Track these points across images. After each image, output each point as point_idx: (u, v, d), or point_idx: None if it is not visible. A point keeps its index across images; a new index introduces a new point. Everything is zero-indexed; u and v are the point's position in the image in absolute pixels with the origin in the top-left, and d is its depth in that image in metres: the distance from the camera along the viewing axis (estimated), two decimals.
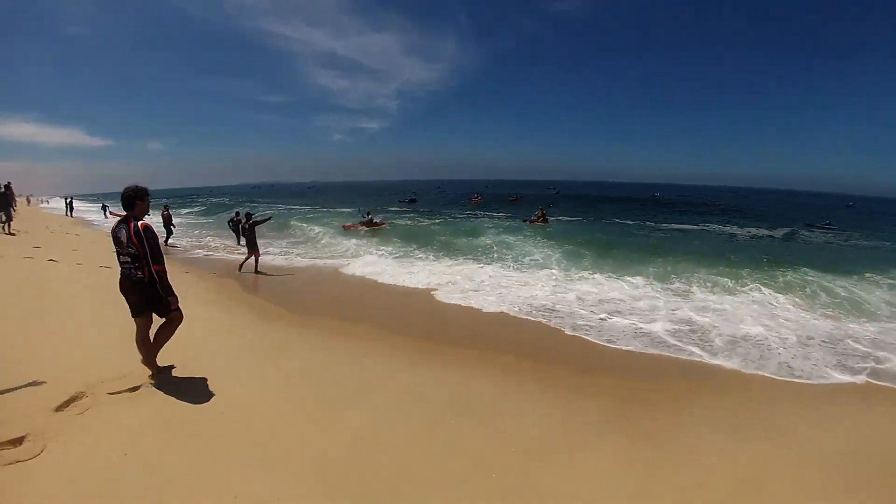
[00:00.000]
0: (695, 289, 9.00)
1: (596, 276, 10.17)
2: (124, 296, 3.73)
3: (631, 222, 27.23)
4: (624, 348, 5.82)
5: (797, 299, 8.29)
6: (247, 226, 10.54)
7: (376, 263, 11.66)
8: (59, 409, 3.33)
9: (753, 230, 23.81)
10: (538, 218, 21.88)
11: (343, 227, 18.73)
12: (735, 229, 24.31)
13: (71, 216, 26.82)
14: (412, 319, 6.96)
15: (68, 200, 30.20)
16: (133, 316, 3.76)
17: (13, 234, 13.35)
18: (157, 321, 3.89)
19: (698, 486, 2.97)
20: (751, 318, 7.06)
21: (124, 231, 3.55)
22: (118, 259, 3.66)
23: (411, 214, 31.29)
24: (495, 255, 12.86)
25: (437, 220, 25.20)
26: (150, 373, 3.92)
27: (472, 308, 7.60)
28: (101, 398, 3.54)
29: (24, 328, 4.98)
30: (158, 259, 3.57)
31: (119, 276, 3.70)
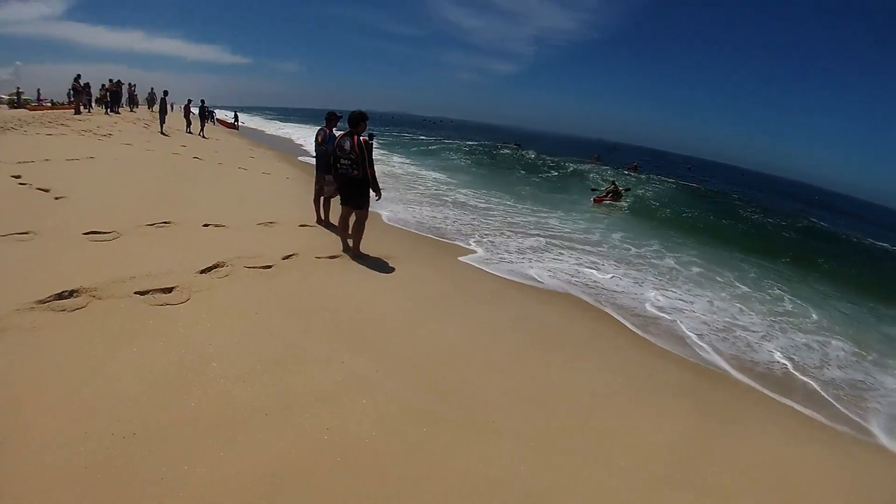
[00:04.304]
0: None
1: None
2: (339, 190, 4.77)
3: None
4: None
5: None
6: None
7: None
8: (202, 272, 3.64)
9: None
10: (607, 195, 15.13)
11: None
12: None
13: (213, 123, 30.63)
14: None
15: (205, 106, 34.47)
16: (342, 204, 4.78)
17: (166, 136, 15.13)
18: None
19: None
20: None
21: (348, 141, 4.47)
22: (338, 163, 4.57)
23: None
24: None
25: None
26: (342, 247, 4.84)
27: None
28: (239, 269, 3.82)
29: (173, 209, 5.46)
30: (372, 165, 4.51)
31: (338, 177, 4.67)
